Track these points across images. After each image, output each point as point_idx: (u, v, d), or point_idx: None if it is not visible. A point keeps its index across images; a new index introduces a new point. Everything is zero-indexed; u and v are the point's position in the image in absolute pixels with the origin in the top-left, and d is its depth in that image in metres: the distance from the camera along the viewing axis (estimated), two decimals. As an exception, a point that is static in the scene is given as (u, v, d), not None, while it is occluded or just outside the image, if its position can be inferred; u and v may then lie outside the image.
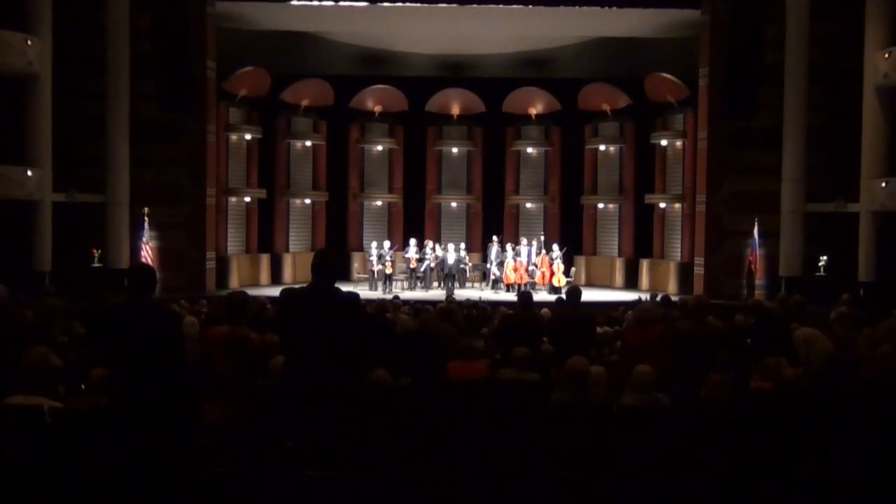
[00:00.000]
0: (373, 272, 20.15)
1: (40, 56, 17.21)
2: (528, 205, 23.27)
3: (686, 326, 7.56)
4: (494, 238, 20.71)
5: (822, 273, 17.86)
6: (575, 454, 4.95)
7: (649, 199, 21.30)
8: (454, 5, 18.99)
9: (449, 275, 19.69)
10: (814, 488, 4.40)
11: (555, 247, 20.23)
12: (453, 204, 23.32)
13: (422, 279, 20.36)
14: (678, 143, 20.55)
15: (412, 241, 20.50)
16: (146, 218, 18.01)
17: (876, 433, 5.26)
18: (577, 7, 18.99)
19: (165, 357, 4.71)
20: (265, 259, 21.54)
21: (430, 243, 20.76)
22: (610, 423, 5.64)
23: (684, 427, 5.56)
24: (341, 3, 19.17)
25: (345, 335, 4.91)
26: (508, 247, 20.24)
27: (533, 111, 22.70)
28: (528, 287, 18.62)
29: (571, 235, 22.20)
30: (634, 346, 7.49)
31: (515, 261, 19.73)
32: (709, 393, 6.00)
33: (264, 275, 21.29)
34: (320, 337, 4.83)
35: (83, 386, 6.10)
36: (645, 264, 21.39)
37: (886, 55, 16.92)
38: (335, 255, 5.11)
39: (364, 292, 17.57)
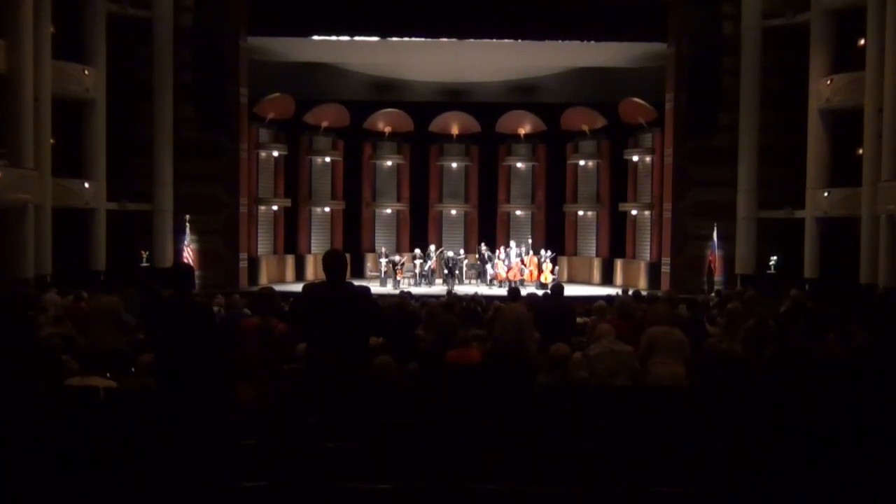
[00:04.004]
0: (382, 270, 20.24)
1: (96, 84, 17.24)
2: (518, 212, 23.25)
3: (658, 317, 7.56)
4: (483, 245, 20.74)
5: (772, 271, 17.88)
6: (558, 427, 4.95)
7: (622, 207, 21.28)
8: (454, 40, 18.99)
9: (449, 273, 19.71)
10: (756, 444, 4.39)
11: (542, 251, 20.27)
12: (453, 212, 23.30)
13: (426, 277, 20.38)
14: (647, 159, 20.53)
15: (417, 252, 20.56)
16: (188, 224, 18.02)
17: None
18: (560, 41, 19.01)
19: (200, 342, 4.70)
20: (290, 259, 21.56)
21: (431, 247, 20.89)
22: (587, 399, 5.65)
23: (650, 403, 5.57)
24: (356, 38, 19.16)
25: (358, 320, 4.86)
26: (502, 249, 20.28)
27: (522, 131, 22.69)
28: (518, 283, 18.60)
29: (555, 239, 22.19)
30: (618, 334, 7.49)
31: (505, 262, 19.73)
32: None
33: (289, 273, 21.32)
34: (338, 323, 4.80)
35: (133, 369, 6.11)
36: (619, 264, 21.37)
37: (829, 82, 16.93)
38: (339, 255, 5.03)
39: (375, 287, 17.57)
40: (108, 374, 5.78)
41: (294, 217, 21.81)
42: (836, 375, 6.14)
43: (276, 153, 20.90)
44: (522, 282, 19.35)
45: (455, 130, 22.85)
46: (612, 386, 5.94)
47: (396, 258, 20.27)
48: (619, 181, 21.53)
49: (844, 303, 9.82)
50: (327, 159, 22.35)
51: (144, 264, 17.98)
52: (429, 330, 8.00)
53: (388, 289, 18.72)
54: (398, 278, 19.88)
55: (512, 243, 20.70)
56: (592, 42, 18.87)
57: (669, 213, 18.90)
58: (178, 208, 18.36)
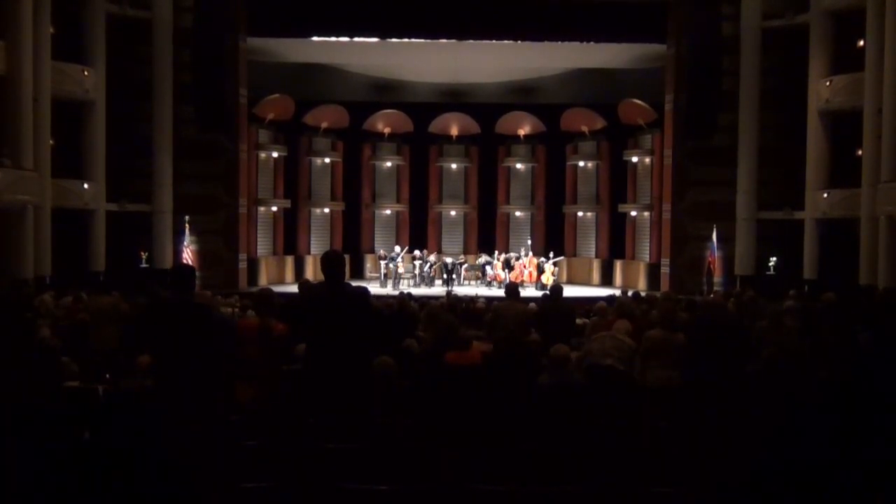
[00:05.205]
0: (382, 273, 20.23)
1: (96, 85, 17.24)
2: (517, 213, 23.25)
3: (657, 318, 7.57)
4: (483, 256, 20.75)
5: (772, 272, 17.89)
6: (558, 427, 4.95)
7: (622, 208, 21.29)
8: (454, 40, 19.00)
9: (448, 274, 19.71)
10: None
11: (545, 257, 20.25)
12: (452, 213, 23.30)
13: (425, 278, 20.38)
14: (647, 160, 20.53)
15: (416, 253, 20.58)
16: (187, 225, 17.98)
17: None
18: (559, 42, 19.03)
19: (201, 343, 4.70)
20: (289, 260, 21.55)
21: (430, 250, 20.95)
22: (586, 399, 5.66)
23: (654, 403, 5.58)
24: (356, 39, 19.18)
25: (357, 321, 4.85)
26: (503, 254, 20.30)
27: (521, 132, 22.71)
28: (517, 284, 18.54)
29: (554, 240, 22.19)
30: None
31: (506, 271, 19.70)
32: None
33: (289, 274, 21.30)
34: (336, 323, 4.78)
35: (133, 369, 6.10)
36: (618, 265, 21.37)
37: (828, 83, 16.95)
38: (337, 255, 5.02)
39: (374, 289, 17.56)
40: (107, 375, 5.79)
41: (293, 218, 21.80)
42: (835, 377, 6.15)
43: (275, 154, 20.89)
44: (522, 283, 19.32)
45: (455, 131, 22.86)
46: (601, 366, 5.97)
47: (396, 249, 20.27)
48: (618, 182, 21.53)
49: (844, 304, 9.80)
50: (327, 160, 22.36)
51: (144, 265, 17.97)
52: (429, 331, 8.01)
53: (388, 290, 18.71)
54: (399, 271, 19.87)
55: (512, 254, 20.64)
56: (592, 43, 18.88)
57: (669, 213, 18.89)
58: (177, 209, 18.34)
